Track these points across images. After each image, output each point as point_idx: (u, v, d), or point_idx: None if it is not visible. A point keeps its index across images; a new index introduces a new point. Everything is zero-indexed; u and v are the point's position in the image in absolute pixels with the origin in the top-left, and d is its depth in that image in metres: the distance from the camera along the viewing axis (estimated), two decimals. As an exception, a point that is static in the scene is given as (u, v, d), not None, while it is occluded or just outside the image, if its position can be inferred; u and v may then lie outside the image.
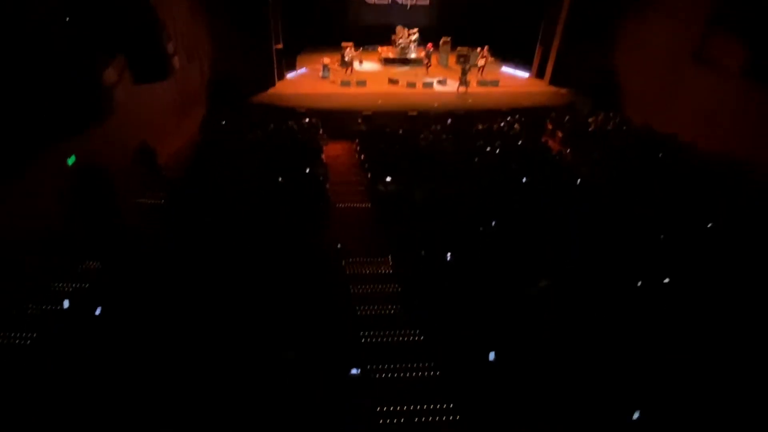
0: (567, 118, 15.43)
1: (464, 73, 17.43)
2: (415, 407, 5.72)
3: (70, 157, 8.40)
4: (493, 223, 8.94)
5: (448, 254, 7.77)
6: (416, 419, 5.60)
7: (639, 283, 7.25)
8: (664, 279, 7.32)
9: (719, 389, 5.29)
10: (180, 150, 13.10)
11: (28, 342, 6.23)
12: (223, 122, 14.53)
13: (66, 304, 6.46)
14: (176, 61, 11.64)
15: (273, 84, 17.15)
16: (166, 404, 4.94)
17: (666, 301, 6.85)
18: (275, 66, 17.07)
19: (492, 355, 5.73)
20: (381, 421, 5.53)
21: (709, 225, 9.13)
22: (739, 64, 12.19)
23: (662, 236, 8.75)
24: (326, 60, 18.49)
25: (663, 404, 5.11)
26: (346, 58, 18.46)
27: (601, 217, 9.34)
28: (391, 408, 5.68)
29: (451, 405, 5.74)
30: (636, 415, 4.92)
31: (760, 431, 4.89)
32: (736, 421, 4.95)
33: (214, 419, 4.84)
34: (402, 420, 5.57)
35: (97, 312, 6.24)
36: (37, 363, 5.66)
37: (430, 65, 19.42)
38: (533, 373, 5.61)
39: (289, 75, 18.55)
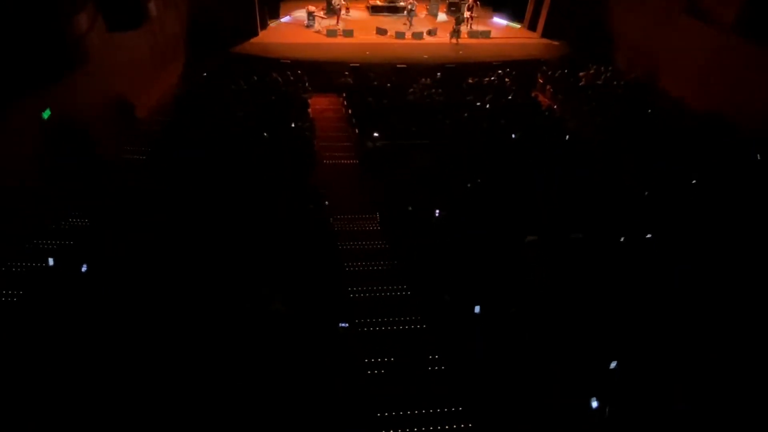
0: (558, 72, 15.16)
1: (457, 23, 16.87)
2: (401, 359, 5.91)
3: (45, 110, 8.05)
4: (479, 180, 8.93)
5: (437, 211, 7.79)
6: (402, 370, 5.79)
7: (622, 239, 7.39)
8: (647, 235, 7.47)
9: (699, 343, 5.52)
10: (159, 103, 12.65)
11: (15, 300, 6.21)
12: (204, 74, 13.98)
13: (51, 261, 6.39)
14: (152, 7, 11.04)
15: (256, 33, 16.40)
16: (155, 358, 5.01)
17: (648, 256, 7.01)
18: (257, 13, 16.27)
19: (477, 309, 5.87)
20: (369, 372, 5.72)
21: (693, 181, 9.24)
22: (732, 18, 11.95)
23: (646, 192, 8.86)
24: (311, 8, 17.67)
25: (641, 356, 5.34)
26: (335, 6, 17.62)
27: (588, 173, 9.38)
28: (379, 359, 5.86)
29: (437, 356, 5.94)
30: (613, 365, 5.14)
31: (736, 381, 5.14)
32: (713, 374, 5.19)
33: (203, 372, 4.94)
34: (389, 371, 5.76)
35: (83, 269, 6.20)
36: (23, 320, 5.65)
37: (411, 20, 18.02)
38: (517, 325, 5.79)
39: (273, 23, 17.75)
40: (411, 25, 17.95)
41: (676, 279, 6.33)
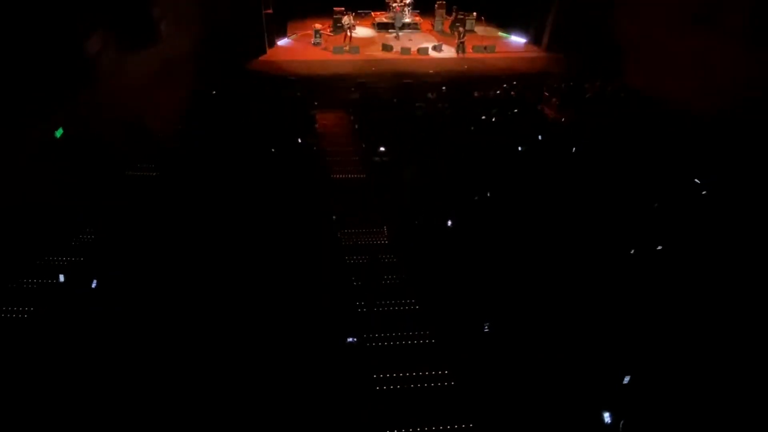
0: (564, 84, 15.20)
1: (460, 38, 17.06)
2: (410, 374, 5.84)
3: (57, 129, 8.22)
4: (486, 193, 8.92)
5: (449, 221, 7.78)
6: (412, 385, 5.73)
7: (632, 251, 7.31)
8: (657, 247, 7.38)
9: (710, 357, 5.41)
10: (170, 120, 12.83)
11: (25, 316, 6.25)
12: (213, 91, 14.20)
13: (61, 278, 6.45)
14: (163, 27, 11.29)
15: (264, 51, 16.71)
16: (163, 372, 5.01)
17: (658, 268, 6.92)
18: (265, 32, 16.59)
19: (486, 327, 5.82)
20: (378, 387, 5.66)
21: (703, 192, 9.15)
22: (740, 26, 11.93)
23: (656, 204, 8.77)
24: (318, 26, 17.97)
25: (653, 370, 5.24)
26: (345, 24, 17.89)
27: (596, 185, 9.33)
28: (387, 375, 5.80)
29: (446, 371, 5.87)
30: (626, 380, 5.05)
31: (749, 394, 5.02)
32: (726, 387, 5.07)
33: (210, 386, 4.92)
34: (398, 386, 5.70)
35: (93, 285, 6.24)
36: (34, 337, 5.69)
37: (398, 31, 18.60)
38: (527, 341, 5.71)
39: (280, 42, 18.06)
40: (398, 36, 18.32)
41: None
